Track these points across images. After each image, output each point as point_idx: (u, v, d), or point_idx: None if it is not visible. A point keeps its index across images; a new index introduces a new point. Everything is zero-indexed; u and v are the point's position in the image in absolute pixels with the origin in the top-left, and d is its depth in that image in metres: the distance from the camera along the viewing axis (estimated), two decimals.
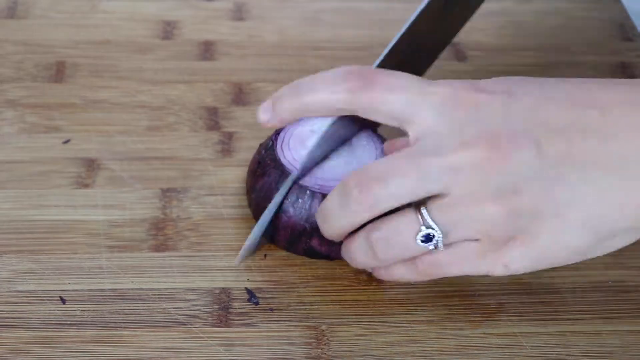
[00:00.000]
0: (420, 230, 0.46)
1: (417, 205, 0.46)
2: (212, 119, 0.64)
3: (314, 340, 0.51)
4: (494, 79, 0.47)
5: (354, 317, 0.52)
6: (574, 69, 0.70)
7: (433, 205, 0.45)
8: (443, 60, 0.70)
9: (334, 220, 0.48)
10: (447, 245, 0.46)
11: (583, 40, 0.73)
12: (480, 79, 0.66)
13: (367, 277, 0.54)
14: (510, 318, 0.52)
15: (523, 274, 0.54)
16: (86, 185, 0.59)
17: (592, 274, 0.55)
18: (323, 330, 0.51)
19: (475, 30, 0.73)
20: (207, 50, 0.70)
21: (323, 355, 0.50)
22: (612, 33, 0.74)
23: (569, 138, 0.44)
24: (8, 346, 0.49)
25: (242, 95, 0.66)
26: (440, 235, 0.46)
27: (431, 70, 0.69)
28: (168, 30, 0.72)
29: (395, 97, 0.47)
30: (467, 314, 0.52)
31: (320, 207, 0.50)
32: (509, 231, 0.45)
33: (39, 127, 0.63)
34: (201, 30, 0.72)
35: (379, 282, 0.54)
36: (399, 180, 0.45)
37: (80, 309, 0.52)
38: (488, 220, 0.45)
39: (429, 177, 0.44)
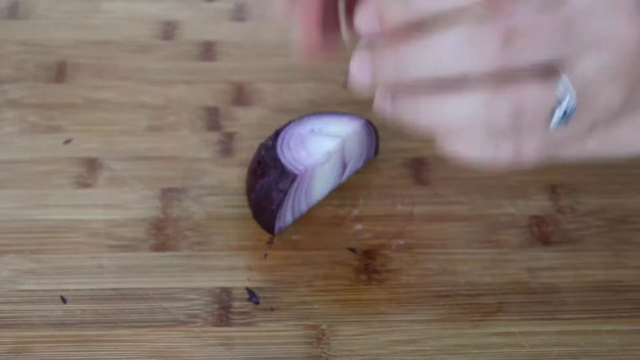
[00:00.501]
0: (557, 109, 0.37)
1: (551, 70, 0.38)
2: (213, 119, 0.64)
3: (314, 340, 0.51)
4: None
5: (354, 316, 0.52)
6: None
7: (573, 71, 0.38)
8: None
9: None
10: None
11: None
12: None
13: (367, 277, 0.54)
14: (510, 317, 0.52)
15: (522, 275, 0.54)
16: (87, 185, 0.59)
17: (592, 273, 0.55)
18: (323, 330, 0.51)
19: None
20: (208, 50, 0.70)
21: (323, 355, 0.50)
22: None
23: None
24: (9, 345, 0.50)
25: (242, 96, 0.66)
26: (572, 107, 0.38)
27: None
28: (169, 30, 0.72)
29: None
30: (467, 313, 0.52)
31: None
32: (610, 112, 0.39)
33: (40, 127, 0.63)
34: (202, 31, 0.72)
35: (380, 281, 0.54)
36: (541, 38, 0.36)
37: (81, 308, 0.52)
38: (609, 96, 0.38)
39: (575, 40, 0.37)
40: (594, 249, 0.56)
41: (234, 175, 0.60)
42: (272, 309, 0.52)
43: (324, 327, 0.51)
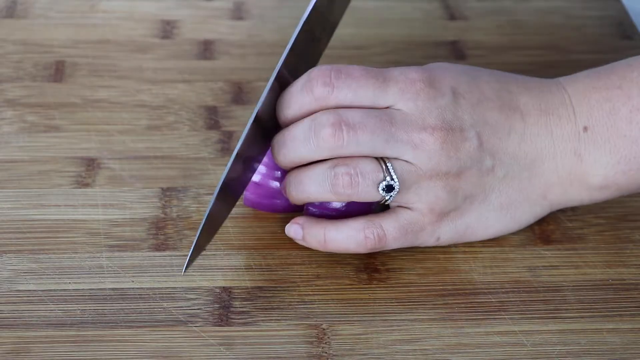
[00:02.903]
0: (384, 180, 0.51)
1: (379, 158, 0.52)
2: (212, 118, 0.64)
3: (314, 339, 0.51)
4: (431, 68, 0.54)
5: (355, 315, 0.52)
6: (573, 67, 0.70)
7: (395, 163, 0.52)
8: (442, 59, 0.70)
9: (294, 149, 0.52)
10: (392, 211, 0.53)
11: (582, 39, 0.73)
12: None
13: (368, 276, 0.54)
14: (511, 316, 0.52)
15: (523, 274, 0.54)
16: (86, 185, 0.59)
17: (593, 272, 0.55)
18: (324, 329, 0.51)
19: (474, 29, 0.73)
20: (207, 49, 0.70)
21: (324, 354, 0.50)
22: (611, 31, 0.74)
23: (500, 135, 0.53)
24: (8, 346, 0.49)
25: (241, 95, 0.66)
26: (398, 190, 0.52)
27: None
28: (167, 29, 0.72)
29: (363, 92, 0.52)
30: (468, 312, 0.52)
31: (281, 133, 0.53)
32: (447, 207, 0.53)
33: (38, 127, 0.63)
34: (201, 30, 0.72)
35: (380, 280, 0.54)
36: (368, 135, 0.51)
37: (80, 308, 0.52)
38: (434, 193, 0.52)
39: (394, 143, 0.51)
40: (595, 247, 0.56)
41: None
42: (272, 309, 0.52)
43: (324, 326, 0.51)
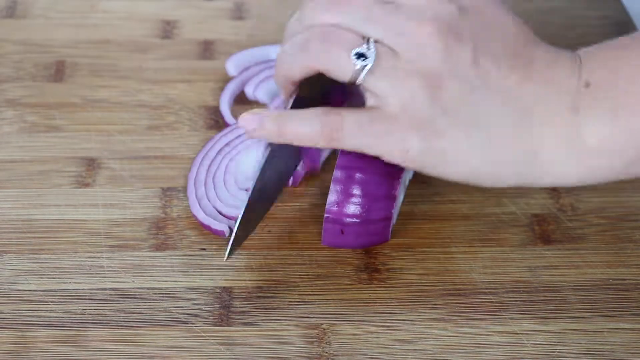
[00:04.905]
0: (359, 46, 0.48)
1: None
2: (212, 118, 0.64)
3: (315, 339, 0.51)
4: None
5: (355, 315, 0.52)
6: None
7: (377, 43, 0.49)
8: None
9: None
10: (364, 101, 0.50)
11: (582, 39, 0.73)
12: None
13: (368, 276, 0.54)
14: (512, 316, 0.52)
15: (523, 274, 0.54)
16: (86, 185, 0.59)
17: (593, 272, 0.55)
18: (324, 329, 0.51)
19: None
20: (207, 49, 0.70)
21: (324, 354, 0.50)
22: (611, 31, 0.74)
23: (499, 65, 0.49)
24: (9, 346, 0.50)
25: (242, 95, 0.66)
26: (372, 62, 0.48)
27: None
28: (168, 29, 0.72)
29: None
30: (469, 312, 0.52)
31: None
32: (421, 112, 0.49)
33: (39, 127, 0.63)
34: (201, 30, 0.72)
35: (380, 280, 0.54)
36: (352, 7, 0.49)
37: (81, 308, 0.52)
38: (410, 90, 0.48)
39: (374, 23, 0.49)
40: (595, 247, 0.56)
41: None
42: (272, 309, 0.52)
43: (324, 326, 0.51)
